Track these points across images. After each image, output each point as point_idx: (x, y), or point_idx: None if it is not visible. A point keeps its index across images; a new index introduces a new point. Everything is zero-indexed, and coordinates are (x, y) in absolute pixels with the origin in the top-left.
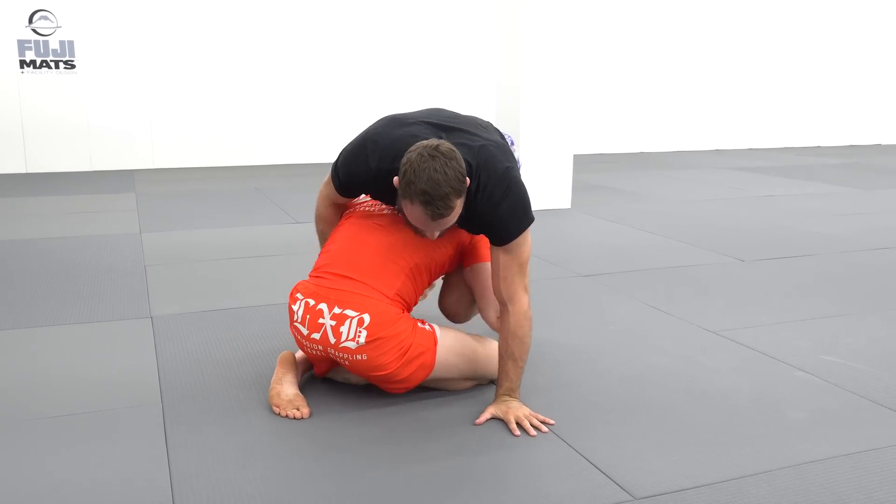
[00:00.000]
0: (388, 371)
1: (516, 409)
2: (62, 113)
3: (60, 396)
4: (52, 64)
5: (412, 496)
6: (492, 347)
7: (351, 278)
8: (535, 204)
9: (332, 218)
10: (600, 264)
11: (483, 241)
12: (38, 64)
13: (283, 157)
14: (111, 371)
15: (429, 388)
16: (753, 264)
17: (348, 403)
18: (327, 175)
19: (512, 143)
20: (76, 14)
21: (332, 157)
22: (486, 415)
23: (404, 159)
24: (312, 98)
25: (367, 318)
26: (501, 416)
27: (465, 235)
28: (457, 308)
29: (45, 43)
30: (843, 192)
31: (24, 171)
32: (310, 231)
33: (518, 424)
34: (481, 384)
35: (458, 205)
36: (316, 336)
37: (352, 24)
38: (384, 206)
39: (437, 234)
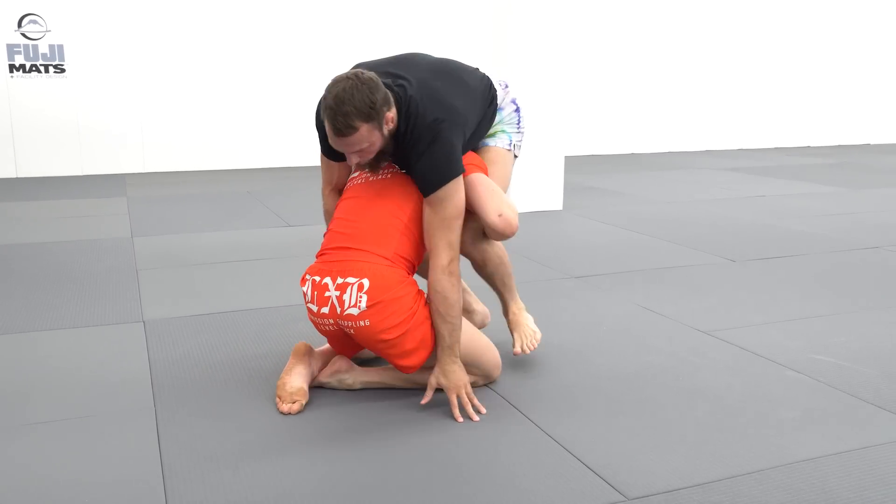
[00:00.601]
0: (394, 336)
1: (456, 379)
2: (52, 117)
3: (53, 400)
4: (42, 68)
5: (402, 496)
6: (488, 341)
7: (349, 248)
8: (527, 205)
9: (334, 208)
10: (592, 265)
11: (472, 166)
12: (27, 68)
13: (275, 161)
14: (104, 375)
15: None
16: (744, 264)
17: (343, 402)
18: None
19: (505, 87)
20: (66, 18)
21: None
22: (430, 390)
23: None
24: (304, 101)
25: (366, 282)
26: (444, 388)
27: None
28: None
29: (35, 47)
30: (833, 191)
31: (14, 176)
32: (302, 234)
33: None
34: (489, 383)
35: (365, 131)
36: (325, 310)
37: (344, 27)
38: (370, 175)
39: (354, 160)
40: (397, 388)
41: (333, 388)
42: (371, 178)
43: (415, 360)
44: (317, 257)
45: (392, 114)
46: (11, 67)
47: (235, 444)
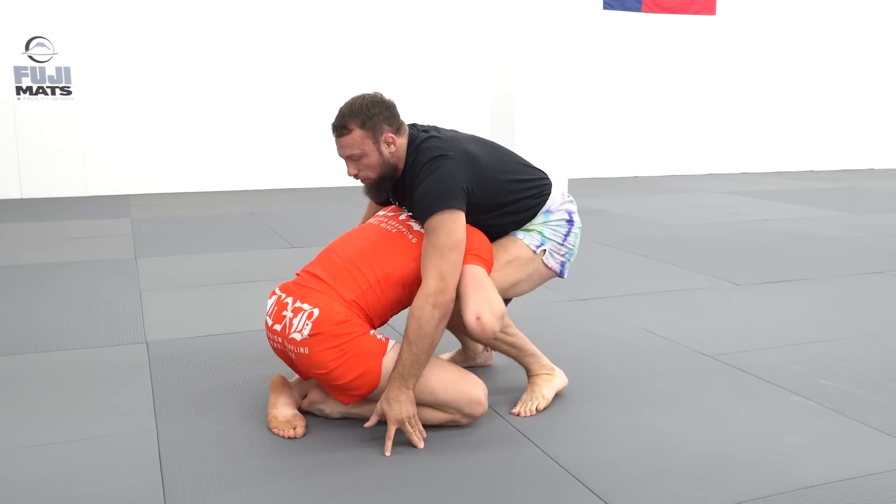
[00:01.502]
0: (326, 370)
1: (399, 410)
2: (58, 139)
3: (55, 422)
4: (49, 90)
5: None
6: (460, 375)
7: (319, 278)
8: None
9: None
10: (595, 288)
11: (471, 254)
12: (34, 90)
13: (279, 182)
14: (106, 397)
15: None
16: (748, 288)
17: (347, 426)
18: None
19: (569, 197)
20: (73, 41)
21: (328, 182)
22: (374, 416)
23: None
24: (309, 122)
25: (315, 311)
26: (385, 417)
27: None
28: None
29: (42, 69)
30: (837, 216)
31: (19, 197)
32: (306, 255)
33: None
34: (459, 425)
35: (358, 136)
36: (277, 327)
37: (349, 51)
38: (396, 216)
39: (351, 170)
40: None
41: (314, 415)
42: (384, 224)
43: (348, 398)
44: (296, 274)
45: (397, 138)
46: (18, 90)
47: (238, 467)
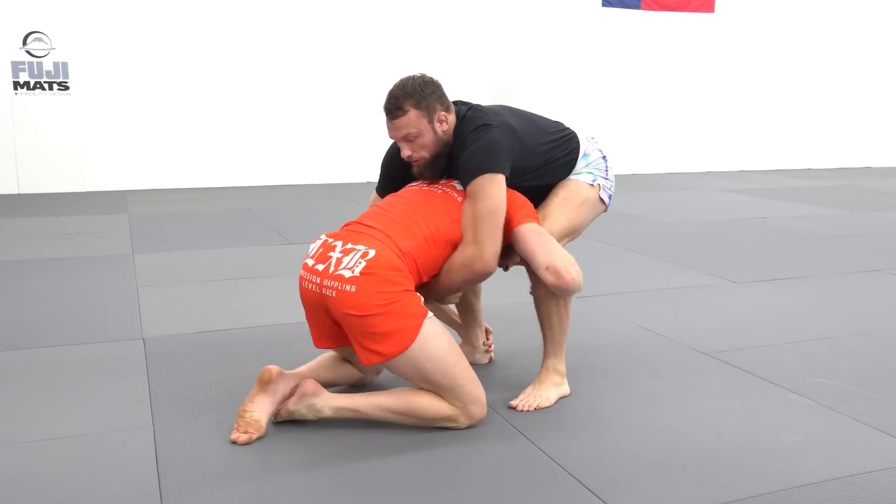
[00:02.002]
0: (366, 313)
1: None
2: (55, 134)
3: (51, 417)
4: (46, 85)
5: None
6: (476, 377)
7: (373, 227)
8: None
9: None
10: (593, 285)
11: (514, 211)
12: (31, 85)
13: (277, 178)
14: (102, 393)
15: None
16: (745, 286)
17: (342, 424)
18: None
19: (593, 140)
20: (70, 36)
21: (326, 179)
22: None
23: None
24: (307, 119)
25: (372, 252)
26: None
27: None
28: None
29: (39, 64)
30: (834, 214)
31: (16, 192)
32: (303, 251)
33: None
34: (456, 426)
35: (414, 116)
36: (319, 267)
37: (347, 49)
38: (427, 185)
39: (406, 151)
40: (372, 418)
41: (304, 418)
42: (426, 188)
43: (380, 348)
44: (343, 226)
45: (448, 115)
46: (16, 84)
47: (234, 463)
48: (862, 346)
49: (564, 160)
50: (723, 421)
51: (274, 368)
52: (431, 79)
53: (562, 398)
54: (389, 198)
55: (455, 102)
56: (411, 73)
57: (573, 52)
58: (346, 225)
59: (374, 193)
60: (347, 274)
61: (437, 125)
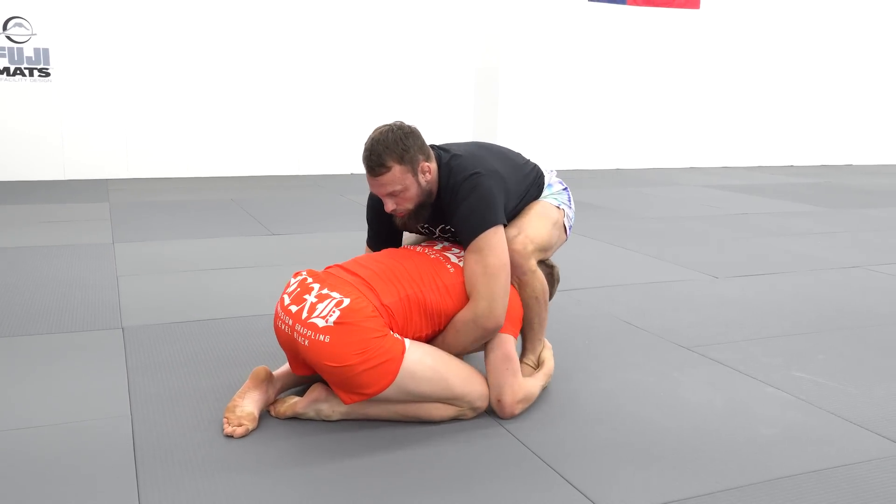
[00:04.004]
0: (343, 364)
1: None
2: (36, 121)
3: (28, 407)
4: (27, 71)
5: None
6: (468, 366)
7: (356, 274)
8: None
9: None
10: (575, 280)
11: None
12: (11, 71)
13: (260, 169)
14: (80, 382)
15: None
16: (726, 280)
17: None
18: None
19: (555, 174)
20: (51, 22)
21: (310, 170)
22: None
23: None
24: (291, 109)
25: (346, 301)
26: None
27: None
28: None
29: (20, 50)
30: (815, 211)
31: None
32: (285, 242)
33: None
34: (465, 419)
35: (398, 172)
36: (293, 308)
37: (332, 40)
38: (432, 245)
39: (390, 205)
40: (380, 419)
41: (311, 419)
42: (420, 251)
43: (355, 396)
44: (326, 268)
45: (430, 165)
46: None
47: (212, 454)
48: (840, 341)
49: (536, 194)
50: (702, 414)
51: (265, 369)
52: (411, 128)
53: (544, 388)
54: (382, 252)
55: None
56: (386, 123)
57: (558, 46)
58: (329, 267)
59: (366, 247)
60: (321, 323)
61: (420, 177)
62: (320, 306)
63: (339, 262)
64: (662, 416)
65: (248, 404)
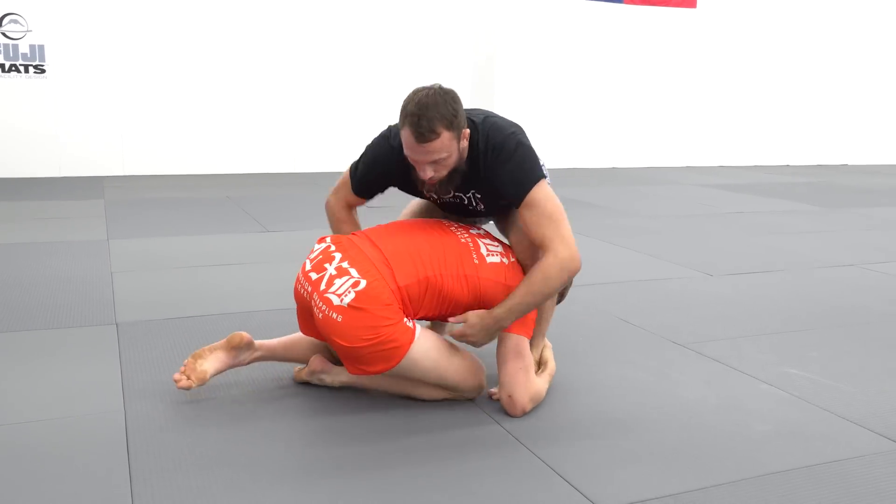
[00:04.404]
0: (353, 346)
1: (481, 340)
2: (31, 118)
3: (21, 403)
4: (22, 68)
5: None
6: (468, 362)
7: (380, 250)
8: None
9: (349, 218)
10: None
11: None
12: (6, 68)
13: (256, 167)
14: (74, 377)
15: (395, 396)
16: (721, 279)
17: (324, 405)
18: (336, 182)
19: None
20: (47, 18)
21: (306, 167)
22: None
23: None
24: (287, 107)
25: (363, 283)
26: (463, 330)
27: (492, 295)
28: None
29: (15, 47)
30: (811, 210)
31: None
32: (281, 239)
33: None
34: (456, 400)
35: (447, 139)
36: (313, 276)
37: (328, 37)
38: (467, 228)
39: (429, 172)
40: (376, 389)
41: (315, 384)
42: (454, 230)
43: (367, 368)
44: (353, 233)
45: (467, 130)
46: None
47: (206, 449)
48: (834, 338)
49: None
50: (696, 410)
51: (246, 336)
52: (453, 92)
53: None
54: (416, 223)
55: None
56: (424, 85)
57: (555, 45)
58: (355, 234)
59: (338, 192)
60: (335, 301)
61: (461, 143)
62: (338, 282)
63: (370, 227)
64: (657, 413)
65: (208, 363)
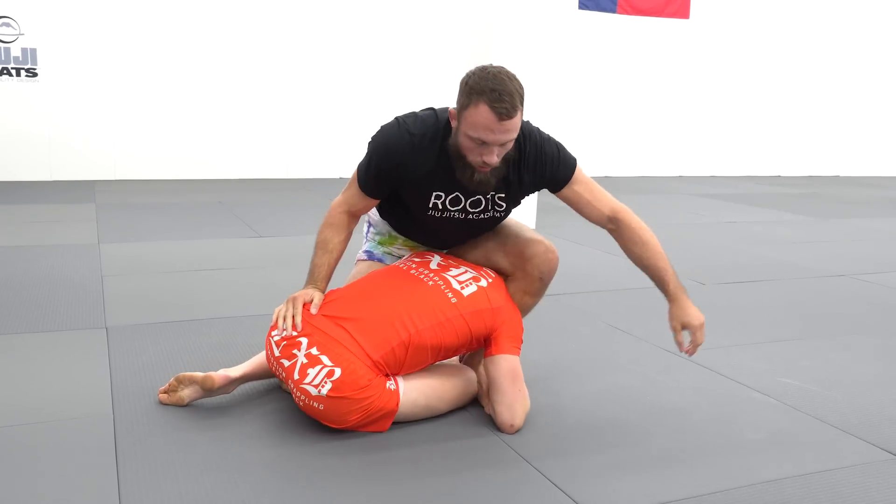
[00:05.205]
0: (342, 426)
1: (693, 317)
2: (23, 121)
3: (10, 406)
4: (14, 71)
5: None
6: (464, 380)
7: (343, 327)
8: None
9: (342, 225)
10: (563, 284)
11: (503, 331)
12: None
13: (248, 172)
14: (63, 381)
15: None
16: (713, 288)
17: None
18: (347, 184)
19: None
20: (39, 21)
21: (297, 174)
22: (676, 326)
23: (464, 78)
24: (279, 113)
25: (337, 371)
26: (686, 324)
27: (482, 325)
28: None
29: (7, 50)
30: (802, 220)
31: None
32: (272, 244)
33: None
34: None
35: (519, 117)
36: (285, 363)
37: (321, 43)
38: (426, 263)
39: (495, 157)
40: None
41: None
42: (416, 275)
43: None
44: (311, 317)
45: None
46: None
47: (195, 455)
48: (825, 347)
49: None
50: (688, 418)
51: (218, 380)
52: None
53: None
54: (373, 279)
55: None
56: (484, 65)
57: (547, 54)
58: (313, 318)
59: (346, 192)
60: (314, 392)
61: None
62: (311, 371)
63: (328, 295)
64: (649, 420)
65: (188, 392)
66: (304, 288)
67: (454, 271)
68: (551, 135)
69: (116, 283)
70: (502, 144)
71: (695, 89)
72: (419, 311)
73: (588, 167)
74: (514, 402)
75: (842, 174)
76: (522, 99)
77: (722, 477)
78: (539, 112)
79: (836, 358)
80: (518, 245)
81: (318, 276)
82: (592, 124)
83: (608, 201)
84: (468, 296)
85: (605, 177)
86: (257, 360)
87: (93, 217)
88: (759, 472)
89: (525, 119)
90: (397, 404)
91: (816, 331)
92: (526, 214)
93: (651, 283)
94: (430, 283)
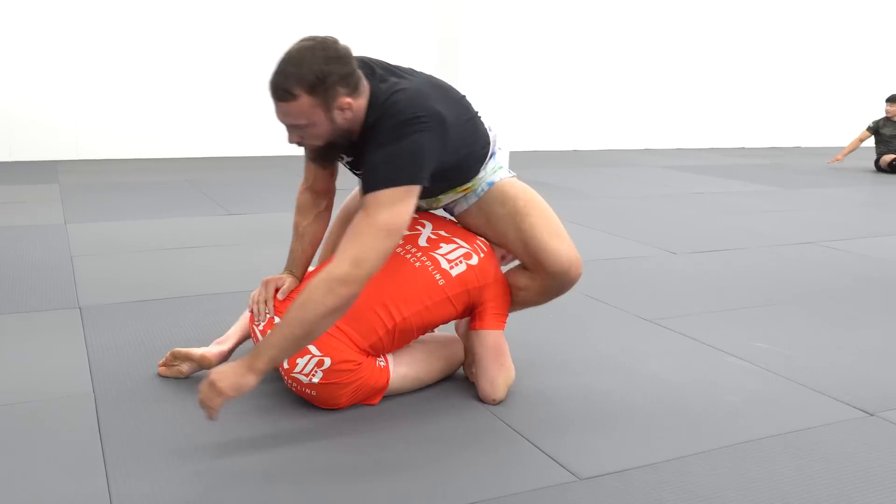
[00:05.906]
0: (336, 407)
1: (209, 384)
2: None
3: None
4: None
5: (353, 483)
6: (452, 350)
7: None
8: None
9: (307, 205)
10: None
11: (489, 306)
12: None
13: (216, 150)
14: (41, 361)
15: None
16: (684, 257)
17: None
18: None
19: (494, 134)
20: None
21: (267, 151)
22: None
23: None
24: (246, 89)
25: (327, 361)
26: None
27: (469, 301)
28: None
29: None
30: (767, 190)
31: None
32: (244, 222)
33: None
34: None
35: (306, 104)
36: None
37: (287, 15)
38: (415, 238)
39: (293, 138)
40: None
41: None
42: (409, 256)
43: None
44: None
45: (354, 101)
46: None
47: (179, 430)
48: (796, 313)
49: (480, 153)
50: (667, 384)
51: (214, 359)
52: (340, 50)
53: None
54: None
55: (370, 72)
56: (314, 37)
57: (518, 26)
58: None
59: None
60: (304, 380)
61: (336, 114)
62: (300, 361)
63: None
64: (629, 387)
65: (185, 367)
66: (281, 273)
67: (444, 248)
68: (413, 145)
69: (87, 264)
70: (293, 127)
71: (660, 63)
72: (405, 297)
73: (557, 141)
74: (496, 376)
75: (803, 145)
76: (312, 84)
77: (705, 438)
78: (506, 87)
79: (808, 322)
80: (539, 253)
81: (292, 262)
82: (559, 99)
83: (345, 245)
84: (457, 276)
85: (574, 150)
86: (243, 324)
87: (57, 198)
88: (740, 433)
89: (417, 115)
90: (388, 381)
91: (787, 297)
92: None
93: (624, 255)
94: (418, 263)
